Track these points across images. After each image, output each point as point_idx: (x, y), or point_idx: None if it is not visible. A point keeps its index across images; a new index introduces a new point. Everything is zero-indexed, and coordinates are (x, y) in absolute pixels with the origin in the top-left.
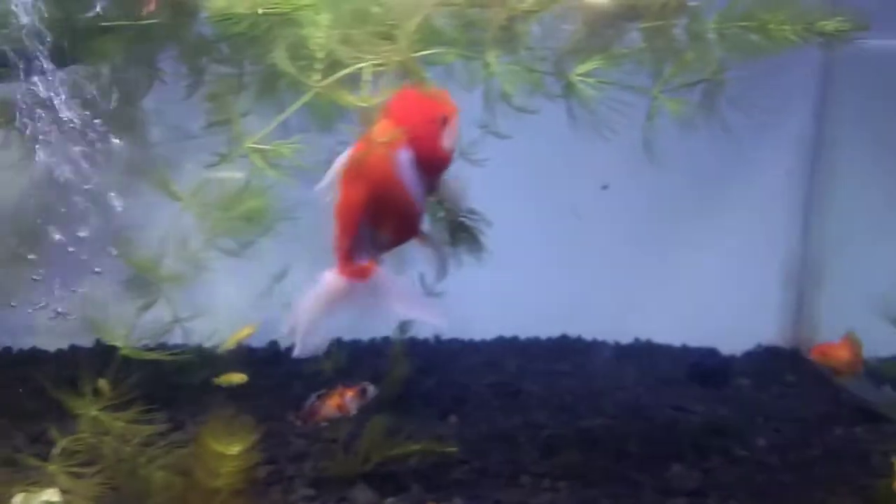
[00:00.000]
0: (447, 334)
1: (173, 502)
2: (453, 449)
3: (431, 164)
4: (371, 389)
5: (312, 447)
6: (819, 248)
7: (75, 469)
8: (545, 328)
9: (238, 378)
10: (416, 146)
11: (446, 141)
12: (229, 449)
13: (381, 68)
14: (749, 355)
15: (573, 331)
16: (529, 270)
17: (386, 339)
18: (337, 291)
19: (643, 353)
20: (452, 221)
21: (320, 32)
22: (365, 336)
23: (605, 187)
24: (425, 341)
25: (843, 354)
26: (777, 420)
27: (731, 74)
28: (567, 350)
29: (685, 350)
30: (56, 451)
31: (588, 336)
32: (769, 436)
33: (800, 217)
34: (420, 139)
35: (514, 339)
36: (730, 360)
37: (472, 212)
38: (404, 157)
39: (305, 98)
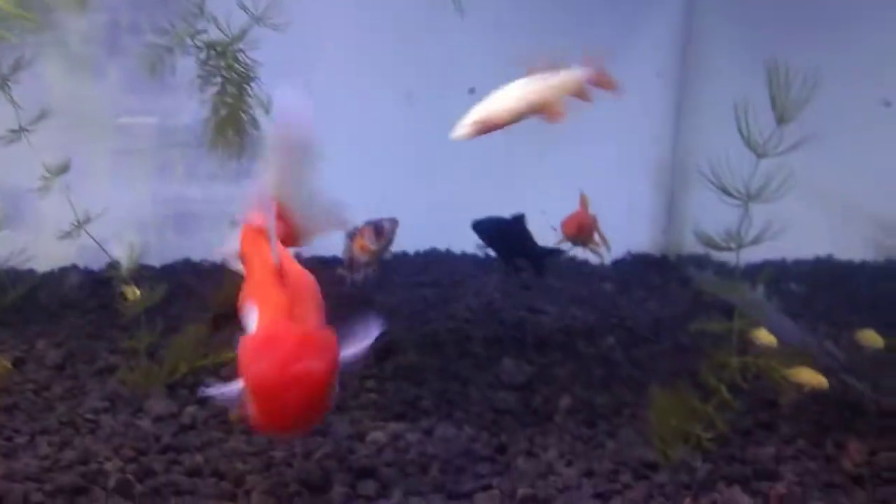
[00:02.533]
0: (309, 251)
1: None
2: None
3: None
4: (388, 225)
5: (124, 361)
6: (688, 151)
7: None
8: (414, 242)
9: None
10: None
11: None
12: None
13: None
14: (616, 263)
15: (442, 244)
16: (398, 182)
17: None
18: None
19: None
20: None
21: None
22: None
23: (471, 91)
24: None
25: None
26: (632, 320)
27: None
28: (432, 263)
29: None
30: None
31: (457, 249)
32: (620, 334)
33: (671, 120)
34: None
35: None
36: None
37: None
38: None
39: None
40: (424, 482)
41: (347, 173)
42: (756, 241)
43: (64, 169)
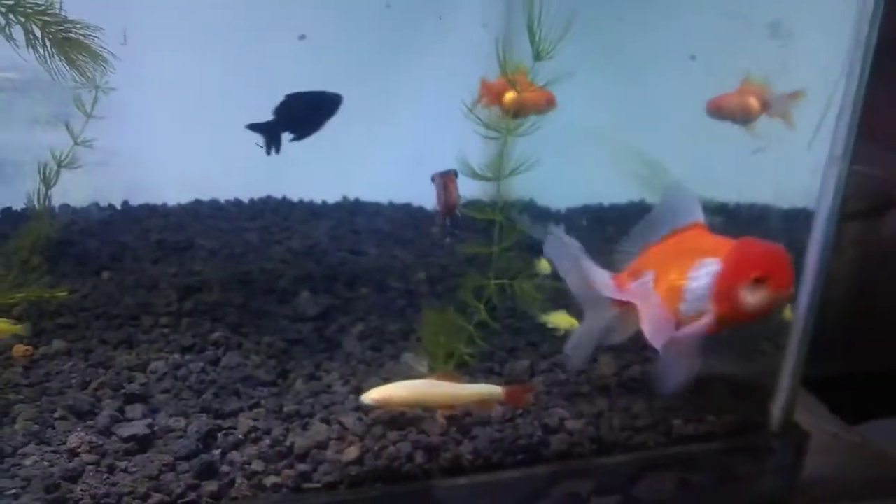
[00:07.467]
0: (136, 200)
1: None
2: (63, 293)
3: None
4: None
5: None
6: None
7: None
8: (250, 190)
9: None
10: None
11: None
12: None
13: None
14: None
15: (279, 192)
16: (232, 131)
17: None
18: None
19: (347, 211)
20: None
21: None
22: None
23: (302, 37)
24: (111, 206)
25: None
26: (447, 258)
27: None
28: (266, 210)
29: (391, 207)
30: None
31: (295, 197)
32: (432, 271)
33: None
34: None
35: (213, 203)
36: None
37: None
38: None
39: None
40: (194, 405)
41: None
42: (514, 172)
43: None
